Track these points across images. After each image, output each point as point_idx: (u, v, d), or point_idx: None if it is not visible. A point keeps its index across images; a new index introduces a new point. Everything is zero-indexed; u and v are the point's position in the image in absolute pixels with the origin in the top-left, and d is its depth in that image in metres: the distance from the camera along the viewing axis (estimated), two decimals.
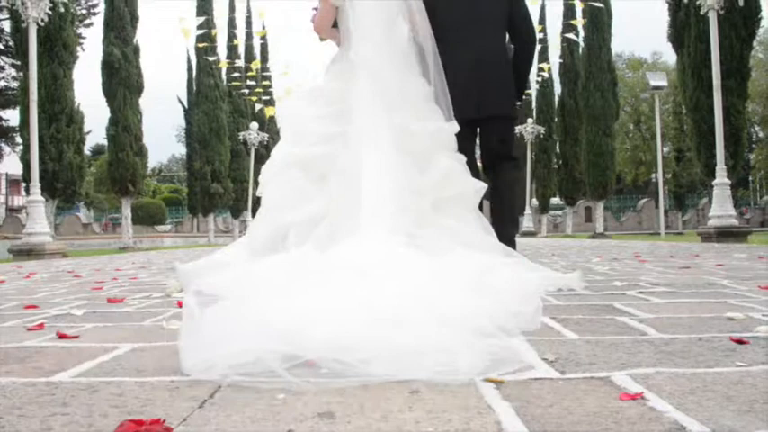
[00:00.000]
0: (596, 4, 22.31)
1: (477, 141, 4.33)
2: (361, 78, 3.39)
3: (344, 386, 1.34)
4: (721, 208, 11.93)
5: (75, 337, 2.05)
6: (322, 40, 4.03)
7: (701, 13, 12.75)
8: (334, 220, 3.04)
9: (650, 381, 1.33)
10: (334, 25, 3.85)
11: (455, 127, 3.50)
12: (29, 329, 2.25)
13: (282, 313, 1.71)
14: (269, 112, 26.69)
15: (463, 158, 3.52)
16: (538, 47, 29.60)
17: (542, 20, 31.54)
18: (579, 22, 24.34)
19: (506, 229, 3.78)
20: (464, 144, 3.65)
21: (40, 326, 2.30)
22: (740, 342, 1.73)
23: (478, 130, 4.16)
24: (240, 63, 30.12)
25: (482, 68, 4.01)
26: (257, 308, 1.80)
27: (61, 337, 2.04)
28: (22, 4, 12.19)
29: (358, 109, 3.32)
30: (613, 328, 2.00)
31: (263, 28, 33.74)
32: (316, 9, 3.92)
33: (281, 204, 3.34)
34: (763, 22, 15.99)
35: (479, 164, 4.24)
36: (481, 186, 3.45)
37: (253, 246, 3.35)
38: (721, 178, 12.02)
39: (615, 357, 1.56)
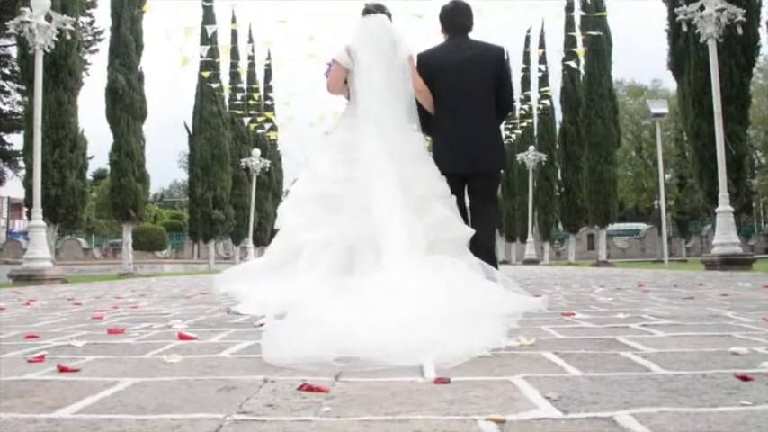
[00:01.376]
0: (595, 34, 22.45)
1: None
2: (369, 132, 4.03)
3: (347, 426, 1.34)
4: (725, 235, 11.92)
5: (77, 370, 2.04)
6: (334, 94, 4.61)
7: (701, 41, 12.84)
8: (354, 249, 3.74)
9: (654, 421, 1.32)
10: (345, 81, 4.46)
11: (444, 180, 4.23)
12: (29, 361, 2.24)
13: (335, 323, 2.28)
14: (271, 135, 26.85)
15: (454, 204, 4.19)
16: (540, 73, 29.88)
17: (542, 45, 31.75)
18: (580, 51, 24.50)
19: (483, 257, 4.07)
20: (456, 189, 4.34)
21: (41, 358, 2.29)
22: (744, 379, 1.71)
23: (470, 180, 4.75)
24: (243, 91, 30.31)
25: (474, 133, 4.64)
26: (316, 318, 2.37)
27: (62, 370, 2.03)
28: (30, 31, 12.32)
29: (368, 158, 3.94)
30: (616, 364, 1.99)
31: (268, 57, 34.01)
32: (330, 64, 4.48)
33: (295, 228, 4.07)
34: (762, 50, 16.10)
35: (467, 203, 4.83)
36: (469, 232, 4.13)
37: (268, 261, 4.22)
38: (724, 206, 12.03)
39: (619, 395, 1.55)
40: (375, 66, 4.26)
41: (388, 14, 4.55)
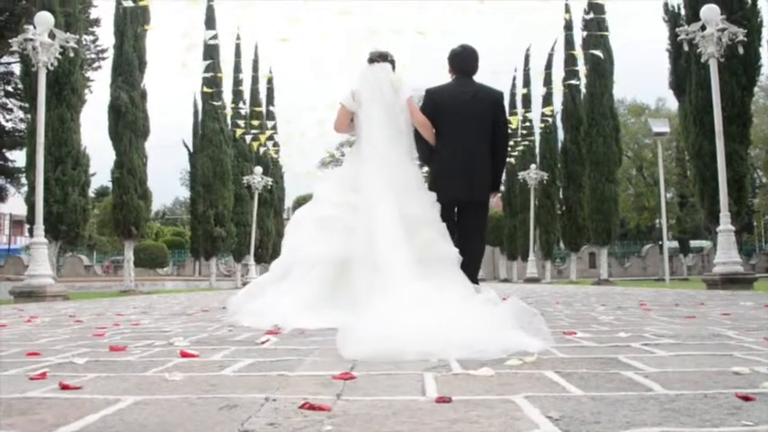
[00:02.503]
0: (597, 53, 22.51)
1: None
2: (371, 164, 4.68)
3: None
4: (726, 254, 11.91)
5: (78, 388, 2.03)
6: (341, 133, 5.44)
7: (702, 60, 12.90)
8: (348, 266, 4.31)
9: None
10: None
11: (437, 208, 4.80)
12: (31, 379, 2.24)
13: (396, 328, 2.82)
14: (273, 152, 26.87)
15: (444, 230, 4.70)
16: (542, 91, 29.99)
17: (549, 65, 31.85)
18: (581, 69, 24.59)
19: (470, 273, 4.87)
20: (449, 214, 4.91)
21: (43, 375, 2.29)
22: (746, 399, 1.71)
23: (465, 207, 5.44)
24: (245, 109, 30.42)
25: (471, 166, 5.28)
26: (378, 327, 2.89)
27: (64, 387, 2.03)
28: (33, 48, 12.37)
29: (369, 187, 4.55)
30: (618, 384, 1.99)
31: (270, 72, 34.11)
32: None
33: (294, 246, 4.74)
34: (763, 69, 16.17)
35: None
36: (454, 252, 4.61)
37: (270, 276, 4.86)
38: (725, 225, 12.03)
39: (620, 416, 1.55)
40: (377, 108, 4.91)
41: (392, 61, 5.22)
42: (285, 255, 4.83)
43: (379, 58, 5.17)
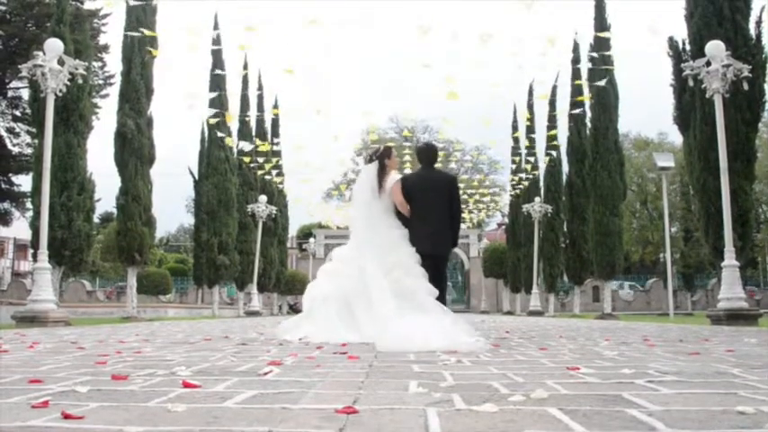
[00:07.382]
0: (601, 84, 22.54)
1: None
2: (366, 232, 7.01)
3: None
4: (730, 290, 11.86)
5: (81, 417, 2.03)
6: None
7: (707, 96, 12.95)
8: (352, 299, 6.55)
9: None
10: None
11: (416, 257, 6.84)
12: (33, 407, 2.24)
13: (385, 334, 5.30)
14: (277, 181, 26.84)
15: (417, 270, 6.70)
16: (547, 123, 30.07)
17: (553, 102, 31.91)
18: (586, 98, 24.66)
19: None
20: (427, 266, 6.78)
21: (45, 403, 2.28)
22: None
23: (433, 259, 7.04)
24: (251, 132, 30.52)
25: (434, 230, 7.02)
26: (396, 334, 5.24)
27: (66, 417, 2.02)
28: (42, 75, 12.48)
29: (363, 248, 6.87)
30: (622, 422, 1.98)
31: (275, 107, 34.28)
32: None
33: (316, 287, 7.01)
34: (767, 105, 16.19)
35: None
36: (418, 286, 6.51)
37: (302, 315, 7.11)
38: (730, 260, 12.00)
39: None
40: (370, 197, 7.09)
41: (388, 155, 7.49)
42: (306, 295, 7.05)
43: (376, 157, 7.27)
